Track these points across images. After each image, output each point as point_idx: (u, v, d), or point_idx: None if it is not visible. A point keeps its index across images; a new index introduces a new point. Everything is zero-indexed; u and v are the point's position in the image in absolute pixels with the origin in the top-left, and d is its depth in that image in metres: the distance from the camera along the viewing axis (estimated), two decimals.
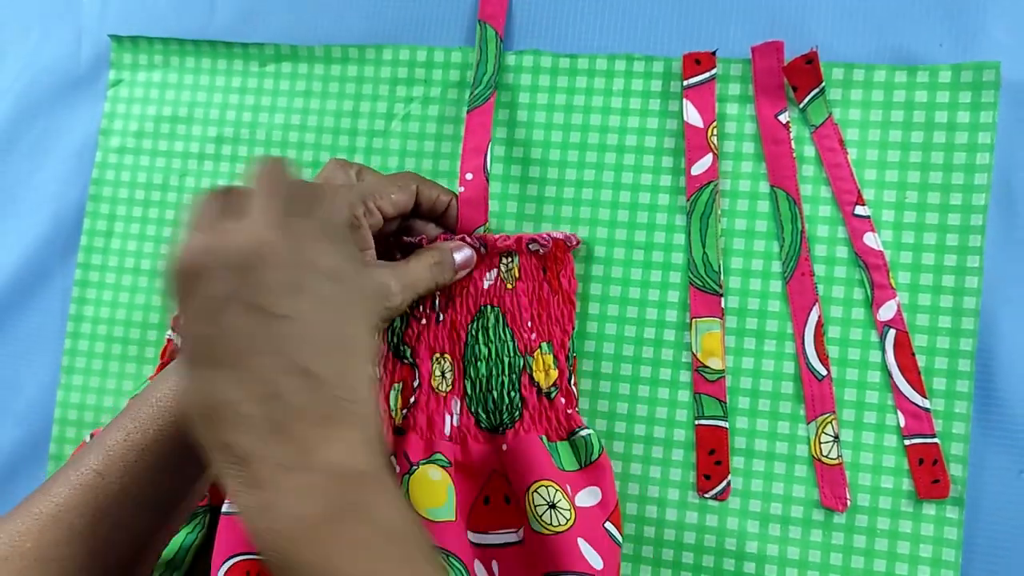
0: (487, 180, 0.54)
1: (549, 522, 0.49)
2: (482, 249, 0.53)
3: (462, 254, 0.52)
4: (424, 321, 0.54)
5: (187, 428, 0.37)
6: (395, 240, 0.53)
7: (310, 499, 0.33)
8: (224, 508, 0.53)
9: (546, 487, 0.50)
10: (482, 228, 0.53)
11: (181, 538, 0.54)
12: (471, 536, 0.52)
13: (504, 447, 0.52)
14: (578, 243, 0.54)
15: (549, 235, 0.53)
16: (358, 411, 0.37)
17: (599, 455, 0.52)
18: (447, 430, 0.53)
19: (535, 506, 0.50)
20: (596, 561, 0.52)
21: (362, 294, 0.41)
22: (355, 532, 0.34)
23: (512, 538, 0.52)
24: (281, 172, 0.39)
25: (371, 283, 0.45)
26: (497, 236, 0.53)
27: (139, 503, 0.39)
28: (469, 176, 0.54)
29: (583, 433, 0.52)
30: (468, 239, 0.53)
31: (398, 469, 0.52)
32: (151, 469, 0.39)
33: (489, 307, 0.53)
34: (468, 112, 0.55)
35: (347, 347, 0.38)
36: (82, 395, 0.61)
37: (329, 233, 0.40)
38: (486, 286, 0.53)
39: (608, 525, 0.52)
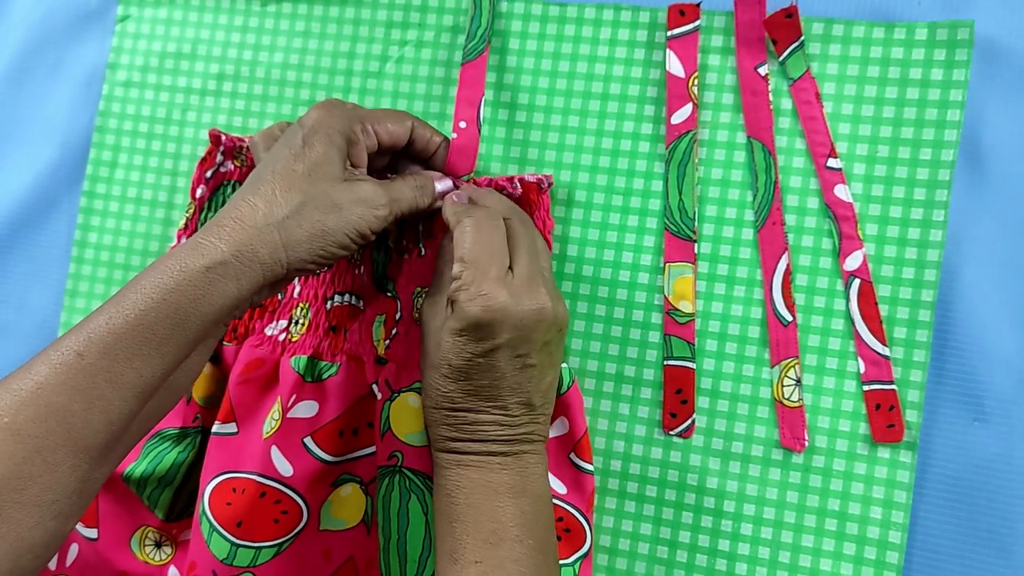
0: (479, 131, 0.56)
1: None
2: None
3: (443, 184, 0.54)
4: (406, 256, 0.56)
5: (167, 318, 0.42)
6: (381, 177, 0.55)
7: (506, 472, 0.48)
8: (214, 429, 0.56)
9: None
10: (467, 176, 0.55)
11: (173, 456, 0.57)
12: None
13: None
14: (550, 185, 0.56)
15: (521, 179, 0.55)
16: (545, 429, 0.51)
17: (568, 388, 0.54)
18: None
19: None
20: (559, 486, 0.54)
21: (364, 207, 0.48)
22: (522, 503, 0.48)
23: None
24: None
25: (362, 192, 0.48)
26: (479, 180, 0.55)
27: (116, 385, 0.41)
28: (463, 124, 0.55)
29: None
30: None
31: (379, 396, 0.55)
32: (128, 352, 0.41)
33: None
34: (463, 64, 0.57)
35: (551, 386, 0.51)
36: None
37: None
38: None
39: (572, 456, 0.54)
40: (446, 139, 0.55)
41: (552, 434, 0.54)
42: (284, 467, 0.54)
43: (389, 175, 0.55)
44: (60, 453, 0.40)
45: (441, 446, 0.50)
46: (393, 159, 0.55)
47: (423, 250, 0.56)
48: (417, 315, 0.56)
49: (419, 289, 0.56)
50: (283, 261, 0.45)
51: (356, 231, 0.48)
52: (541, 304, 0.47)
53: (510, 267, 0.48)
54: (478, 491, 0.47)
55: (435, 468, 0.50)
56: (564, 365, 0.54)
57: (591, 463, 0.55)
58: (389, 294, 0.57)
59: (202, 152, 0.62)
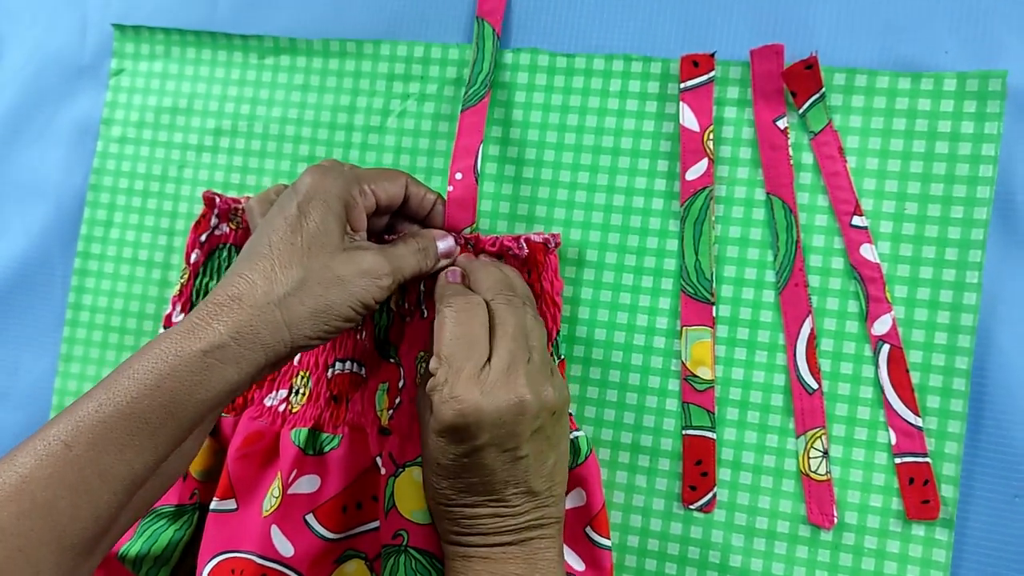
0: (477, 181, 0.53)
1: None
2: (469, 247, 0.52)
3: (445, 243, 0.52)
4: (408, 319, 0.54)
5: (158, 407, 0.40)
6: (379, 240, 0.53)
7: (512, 563, 0.46)
8: (212, 506, 0.54)
9: None
10: (468, 229, 0.53)
11: (170, 534, 0.54)
12: None
13: None
14: (558, 245, 0.53)
15: (527, 238, 0.52)
16: (558, 511, 0.48)
17: (586, 458, 0.52)
18: None
19: None
20: (576, 562, 0.51)
21: (360, 274, 0.46)
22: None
23: None
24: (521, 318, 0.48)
25: (365, 263, 0.46)
26: (485, 238, 0.53)
27: (105, 478, 0.39)
28: (459, 176, 0.53)
29: (573, 435, 0.52)
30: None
31: (384, 471, 0.52)
32: (119, 443, 0.39)
33: None
34: (462, 111, 0.54)
35: (556, 467, 0.48)
36: (79, 383, 0.62)
37: (549, 369, 0.48)
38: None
39: (589, 530, 0.51)
40: (440, 197, 0.53)
41: (570, 505, 0.51)
42: (285, 547, 0.52)
43: (387, 236, 0.53)
44: (44, 551, 0.38)
45: (445, 539, 0.48)
46: (392, 219, 0.53)
47: (425, 312, 0.54)
48: (419, 381, 0.53)
49: (422, 354, 0.54)
50: (286, 340, 0.43)
51: (360, 303, 0.46)
52: (519, 397, 0.44)
53: (489, 358, 0.45)
54: None
55: (445, 560, 0.48)
56: (580, 434, 0.52)
57: (609, 538, 0.52)
58: (392, 360, 0.54)
59: (199, 211, 0.60)
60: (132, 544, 0.54)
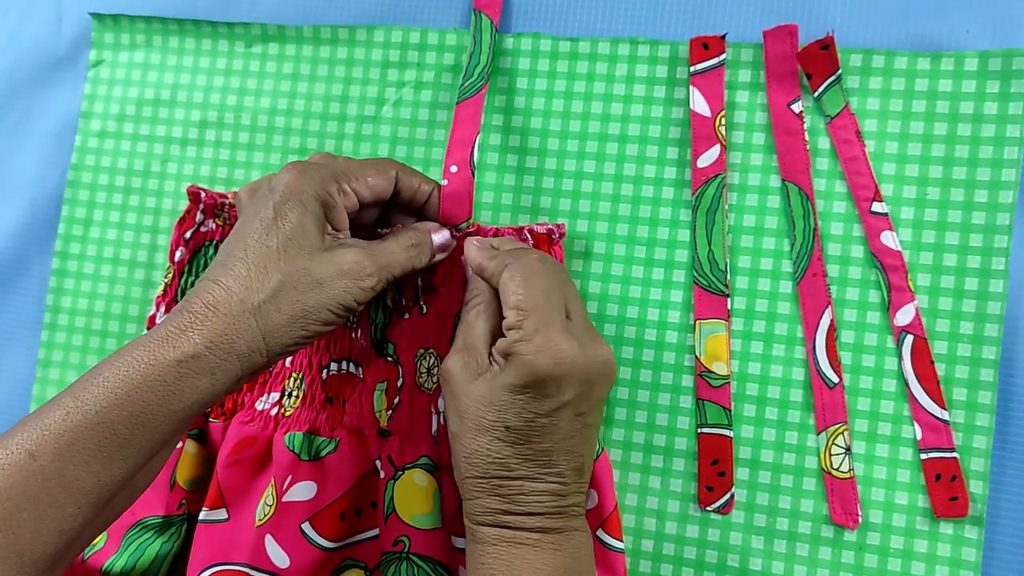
0: (473, 174, 0.51)
1: None
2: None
3: (440, 236, 0.49)
4: (407, 315, 0.51)
5: (131, 417, 0.37)
6: (372, 232, 0.51)
7: (560, 555, 0.43)
8: (201, 516, 0.51)
9: None
10: (465, 223, 0.50)
11: (157, 547, 0.51)
12: (456, 541, 0.49)
13: None
14: (563, 235, 0.51)
15: (531, 229, 0.50)
16: (584, 499, 0.46)
17: (597, 457, 0.49)
18: (434, 430, 0.50)
19: None
20: None
21: (339, 275, 0.43)
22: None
23: None
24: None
25: (346, 263, 0.43)
26: (485, 228, 0.50)
27: (70, 490, 0.36)
28: (454, 168, 0.51)
29: None
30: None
31: (383, 474, 0.50)
32: (86, 454, 0.37)
33: None
34: (457, 103, 0.52)
35: (593, 450, 0.46)
36: (58, 389, 0.58)
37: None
38: (470, 275, 0.50)
39: (601, 532, 0.49)
40: (437, 186, 0.50)
41: None
42: (280, 558, 0.49)
43: (381, 230, 0.50)
44: (4, 567, 0.35)
45: (486, 519, 0.43)
46: (385, 210, 0.50)
47: (424, 308, 0.51)
48: (421, 380, 0.51)
49: (422, 351, 0.51)
50: (263, 350, 0.41)
51: (340, 306, 0.43)
52: (606, 355, 0.43)
53: (567, 315, 0.43)
54: (530, 574, 0.42)
55: (472, 545, 0.44)
56: None
57: (621, 541, 0.49)
58: (389, 359, 0.52)
59: (183, 207, 0.57)
60: (117, 558, 0.51)
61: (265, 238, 0.42)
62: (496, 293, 0.45)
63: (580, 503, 0.44)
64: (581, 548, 0.43)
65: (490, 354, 0.44)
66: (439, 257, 0.50)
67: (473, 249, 0.47)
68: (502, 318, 0.44)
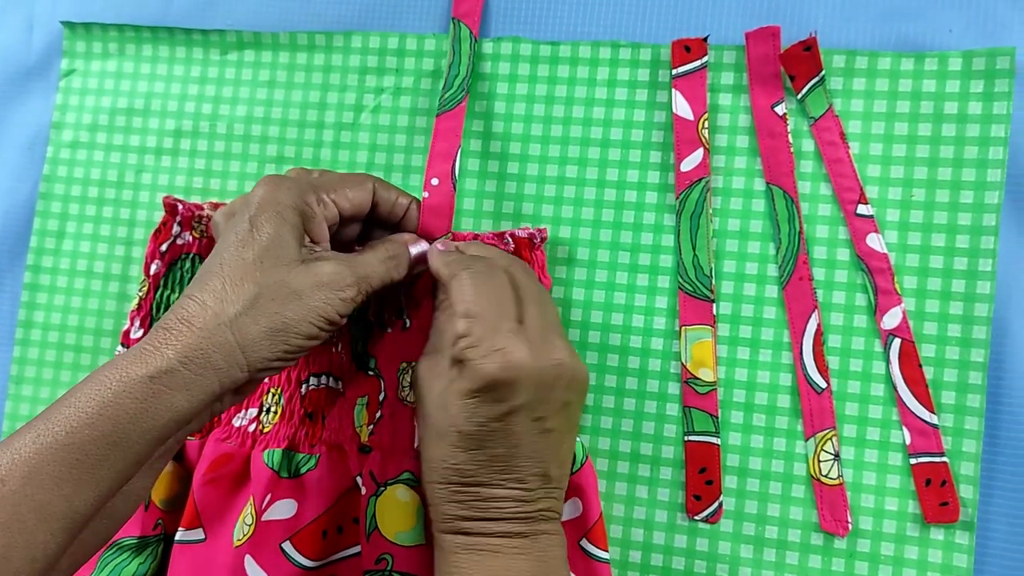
0: (454, 187, 0.50)
1: None
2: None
3: (418, 247, 0.48)
4: (390, 329, 0.50)
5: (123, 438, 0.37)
6: (351, 250, 0.50)
7: (524, 559, 0.42)
8: (177, 537, 0.49)
9: None
10: (444, 237, 0.49)
11: (132, 569, 0.50)
12: None
13: None
14: (544, 240, 0.50)
15: (512, 234, 0.49)
16: (560, 505, 0.45)
17: (581, 466, 0.48)
18: (416, 444, 0.49)
19: None
20: None
21: (318, 287, 0.42)
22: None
23: None
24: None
25: (324, 274, 0.42)
26: (463, 234, 0.50)
27: (42, 516, 0.35)
28: (435, 182, 0.50)
29: None
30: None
31: (364, 491, 0.48)
32: (56, 477, 0.35)
33: None
34: (437, 116, 0.51)
35: (568, 456, 0.46)
36: (32, 406, 0.57)
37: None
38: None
39: (584, 543, 0.48)
40: (415, 200, 0.49)
41: (565, 517, 0.48)
42: None
43: (357, 247, 0.49)
44: None
45: (447, 527, 0.43)
46: (365, 227, 0.49)
47: (408, 322, 0.50)
48: (403, 394, 0.50)
49: (404, 365, 0.50)
50: (242, 364, 0.40)
51: (322, 318, 0.42)
52: (559, 359, 0.42)
53: (519, 320, 0.43)
54: None
55: (438, 553, 0.43)
56: (577, 439, 0.48)
57: (607, 551, 0.49)
58: (371, 372, 0.51)
59: (159, 218, 0.55)
60: None
61: (241, 251, 0.41)
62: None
63: (552, 508, 0.44)
64: (550, 551, 0.43)
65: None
66: (418, 269, 0.49)
67: (435, 253, 0.47)
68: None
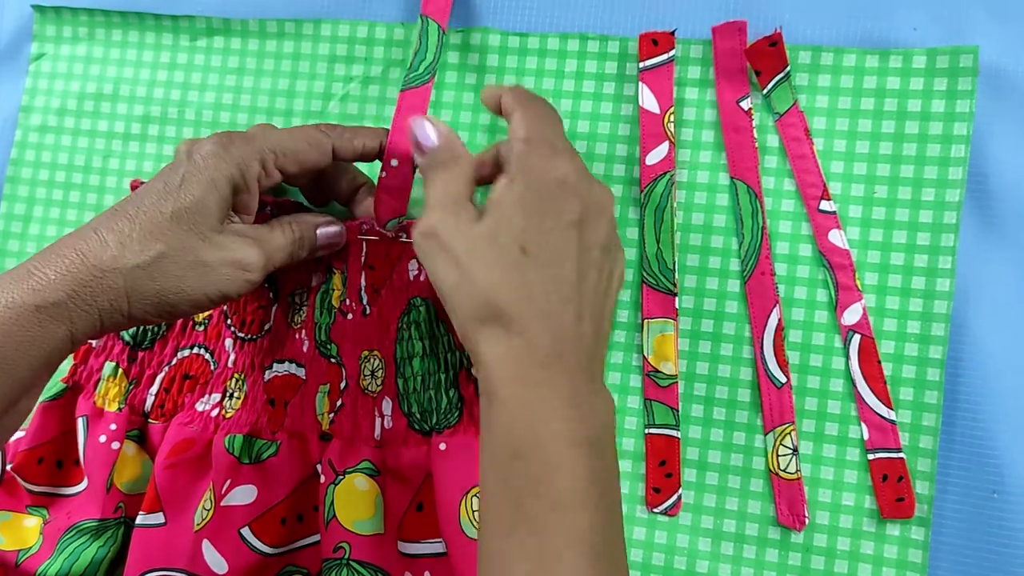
0: (413, 171, 0.49)
1: None
2: (402, 237, 0.49)
3: (327, 231, 0.48)
4: (351, 316, 0.50)
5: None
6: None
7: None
8: (138, 521, 0.49)
9: None
10: (396, 220, 0.49)
11: (92, 552, 0.50)
12: (402, 546, 0.48)
13: (442, 447, 0.48)
14: None
15: None
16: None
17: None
18: (377, 434, 0.49)
19: (473, 511, 0.46)
20: None
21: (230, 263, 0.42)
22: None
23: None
24: None
25: (235, 254, 0.42)
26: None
27: None
28: (394, 163, 0.49)
29: None
30: (378, 229, 0.49)
31: (323, 479, 0.48)
32: None
33: (419, 299, 0.49)
34: (402, 91, 0.51)
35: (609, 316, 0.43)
36: None
37: None
38: (412, 276, 0.49)
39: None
40: (370, 182, 0.50)
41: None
42: (218, 563, 0.48)
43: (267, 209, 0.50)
44: None
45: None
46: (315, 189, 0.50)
47: (367, 309, 0.50)
48: (365, 383, 0.50)
49: (366, 353, 0.50)
50: (124, 311, 0.40)
51: (220, 293, 0.42)
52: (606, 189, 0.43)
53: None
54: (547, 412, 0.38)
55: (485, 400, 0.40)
56: None
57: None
58: (333, 360, 0.51)
59: None
60: (51, 563, 0.49)
61: (161, 202, 0.41)
62: (463, 152, 0.43)
63: (600, 367, 0.41)
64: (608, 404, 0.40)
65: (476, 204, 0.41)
66: (323, 252, 0.49)
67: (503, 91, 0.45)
68: (473, 175, 0.43)
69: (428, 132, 0.43)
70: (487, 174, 0.44)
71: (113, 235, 0.40)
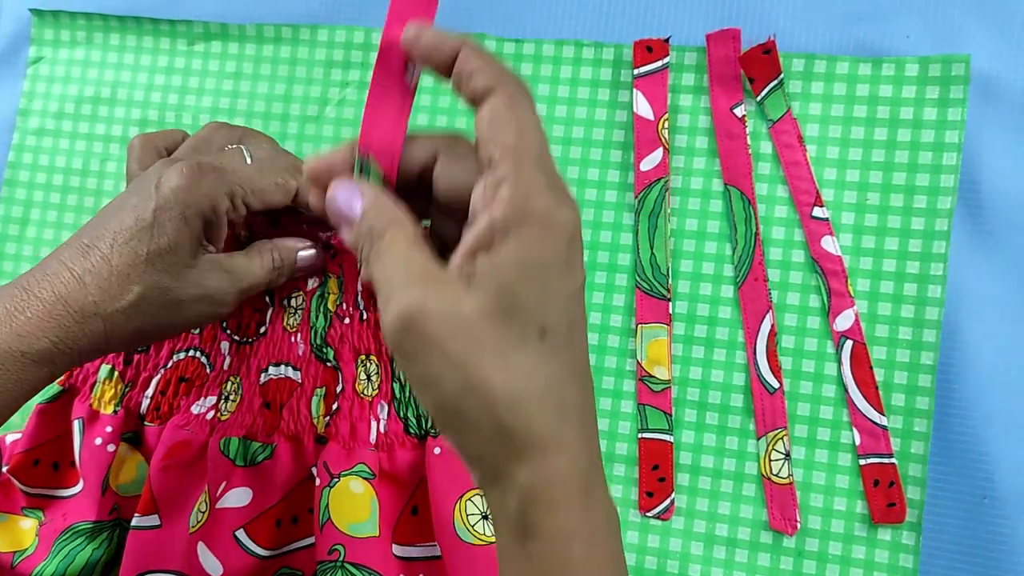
0: (394, 179, 0.49)
1: (482, 532, 0.46)
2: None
3: (307, 255, 0.48)
4: (347, 320, 0.50)
5: None
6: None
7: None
8: (133, 523, 0.50)
9: (481, 496, 0.46)
10: None
11: (87, 554, 0.50)
12: (397, 549, 0.48)
13: (437, 451, 0.48)
14: None
15: None
16: None
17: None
18: (372, 437, 0.49)
19: (467, 515, 0.46)
20: None
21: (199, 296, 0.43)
22: None
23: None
24: None
25: (207, 288, 0.43)
26: None
27: None
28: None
29: None
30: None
31: (318, 482, 0.49)
32: None
33: None
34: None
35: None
36: None
37: None
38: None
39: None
40: None
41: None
42: (213, 566, 0.48)
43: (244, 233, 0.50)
44: None
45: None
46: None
47: (364, 314, 0.50)
48: (361, 387, 0.50)
49: (363, 357, 0.50)
50: (103, 349, 0.41)
51: (193, 324, 0.44)
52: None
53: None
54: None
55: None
56: None
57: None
58: (329, 363, 0.51)
59: None
60: (47, 564, 0.50)
61: (136, 242, 0.41)
62: (399, 212, 0.34)
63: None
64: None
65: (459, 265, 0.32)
66: (299, 275, 0.49)
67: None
68: (423, 236, 0.33)
69: (351, 199, 0.35)
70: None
71: (91, 278, 0.40)
